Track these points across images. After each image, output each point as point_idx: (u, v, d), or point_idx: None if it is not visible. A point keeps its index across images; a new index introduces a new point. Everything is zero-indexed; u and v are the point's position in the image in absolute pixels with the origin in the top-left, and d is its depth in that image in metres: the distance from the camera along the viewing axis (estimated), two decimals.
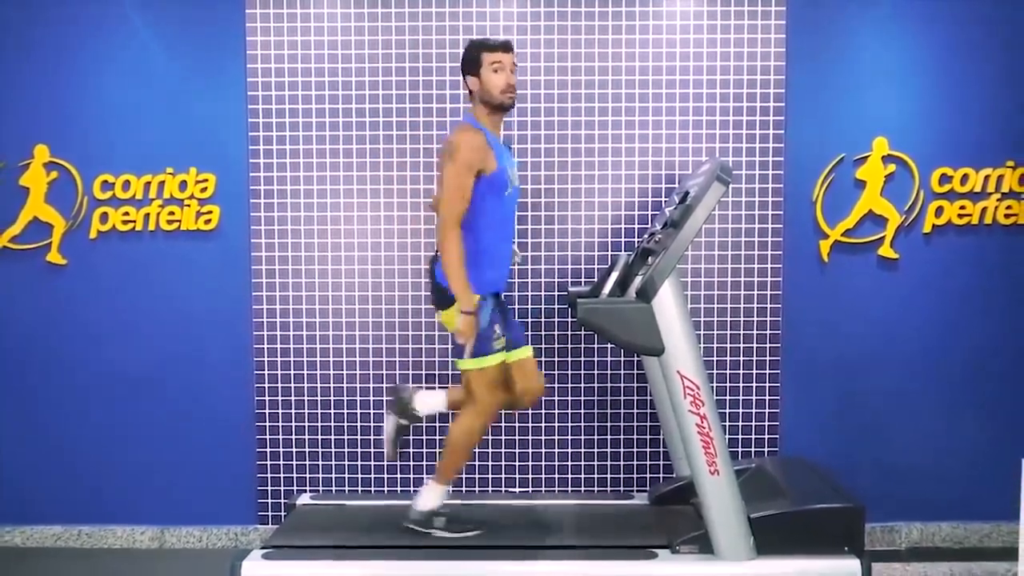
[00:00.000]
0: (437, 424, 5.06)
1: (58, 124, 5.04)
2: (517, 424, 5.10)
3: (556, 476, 5.11)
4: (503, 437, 5.11)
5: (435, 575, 4.09)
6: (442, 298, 4.21)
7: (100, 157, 5.04)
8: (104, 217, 5.05)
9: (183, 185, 5.04)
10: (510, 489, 5.10)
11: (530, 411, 5.04)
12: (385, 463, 5.09)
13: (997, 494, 4.79)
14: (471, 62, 4.20)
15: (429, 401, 4.55)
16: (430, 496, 4.41)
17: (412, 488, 5.04)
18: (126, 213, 5.05)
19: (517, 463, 5.10)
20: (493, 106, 4.21)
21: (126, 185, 5.03)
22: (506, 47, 4.21)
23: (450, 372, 5.05)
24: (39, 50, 5.02)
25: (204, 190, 5.04)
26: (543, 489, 5.11)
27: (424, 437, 5.10)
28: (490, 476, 5.12)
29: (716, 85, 5.00)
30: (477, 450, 5.05)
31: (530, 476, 5.11)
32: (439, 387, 4.75)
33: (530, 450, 5.10)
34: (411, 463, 5.11)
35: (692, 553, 4.09)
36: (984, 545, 5.05)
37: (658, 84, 5.00)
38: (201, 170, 5.04)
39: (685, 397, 3.96)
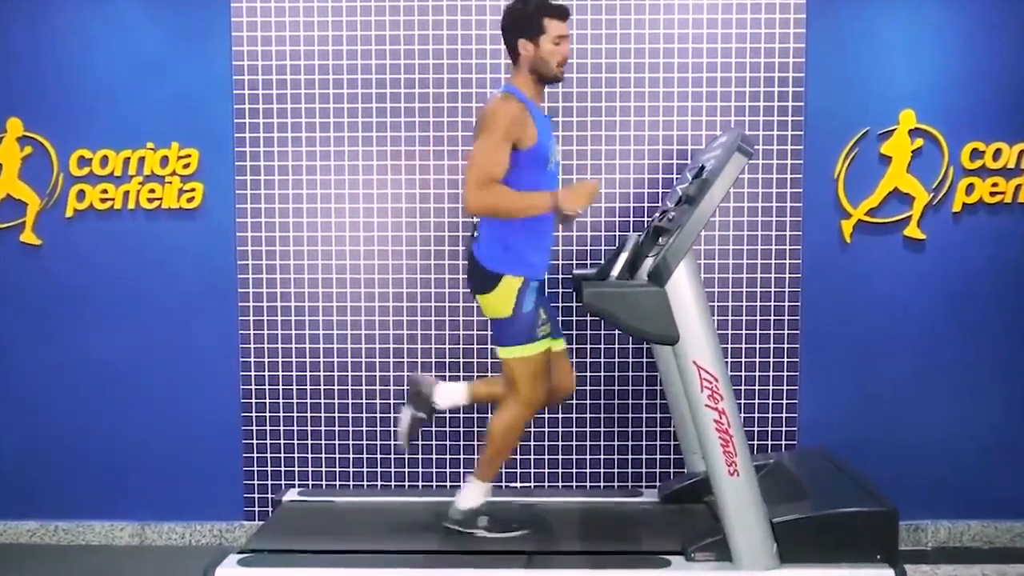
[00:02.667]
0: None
1: (32, 96, 4.55)
2: None
3: (561, 471, 4.60)
4: None
5: None
6: (481, 281, 3.72)
7: (77, 131, 4.55)
8: (81, 195, 4.55)
9: (164, 161, 4.54)
10: (510, 485, 4.58)
11: None
12: (378, 456, 4.60)
13: None
14: (530, 26, 3.65)
15: (450, 394, 4.05)
16: (472, 494, 3.93)
17: (406, 483, 4.59)
18: (104, 191, 4.55)
19: (519, 456, 4.58)
20: (545, 77, 3.71)
21: (104, 161, 4.53)
22: (567, 15, 3.71)
23: (447, 360, 4.56)
24: (12, 18, 4.52)
25: (187, 166, 4.54)
26: (547, 485, 4.60)
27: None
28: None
29: (731, 54, 4.47)
30: (476, 443, 4.56)
31: (532, 471, 4.60)
32: (462, 377, 4.22)
33: (532, 443, 4.58)
34: (405, 456, 4.59)
35: (708, 561, 3.56)
36: (1016, 545, 4.54)
37: (669, 53, 4.46)
38: (183, 145, 4.54)
39: (702, 390, 3.43)
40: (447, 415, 4.44)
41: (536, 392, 3.79)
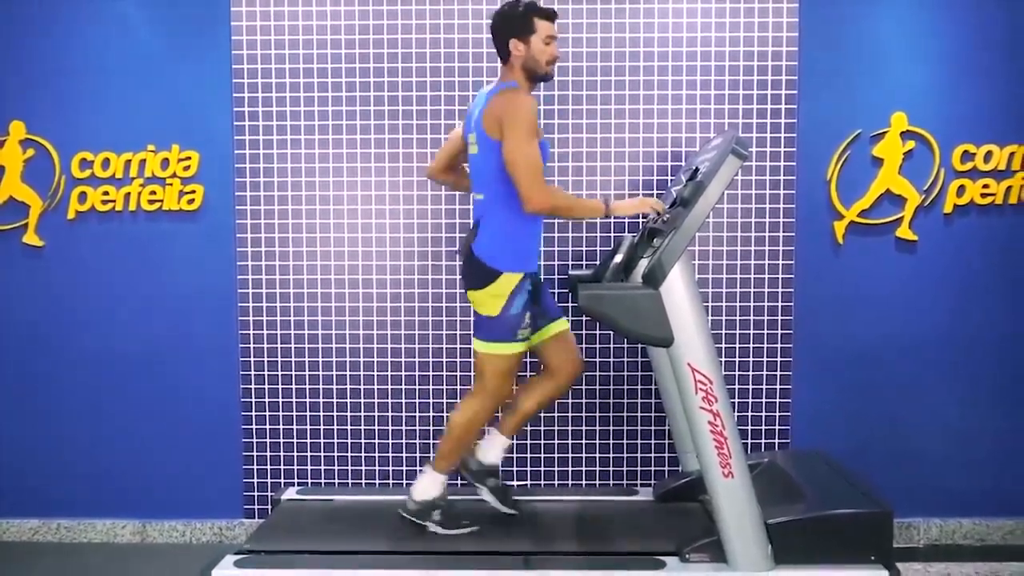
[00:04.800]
0: (428, 414, 4.40)
1: (35, 99, 4.39)
2: None
3: (556, 469, 4.45)
4: None
5: None
6: (479, 278, 3.59)
7: (78, 134, 4.39)
8: (83, 197, 4.39)
9: (165, 163, 4.38)
10: (507, 483, 4.43)
11: None
12: (376, 455, 4.45)
13: (1021, 488, 4.37)
14: (521, 26, 3.57)
15: (491, 446, 3.91)
16: (428, 485, 3.79)
17: (405, 481, 4.43)
18: (105, 193, 4.39)
19: (515, 455, 4.43)
20: (535, 76, 3.61)
21: (105, 163, 4.38)
22: (555, 16, 3.63)
23: (444, 359, 4.41)
24: (14, 23, 4.36)
25: (187, 168, 4.38)
26: (542, 483, 4.45)
27: (419, 428, 4.44)
28: None
29: (725, 57, 4.32)
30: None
31: (528, 469, 4.45)
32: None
33: (528, 441, 4.44)
34: (404, 454, 4.45)
35: (703, 562, 3.41)
36: (1007, 543, 4.38)
37: (663, 56, 4.32)
38: (184, 147, 4.38)
39: (697, 392, 3.29)
40: (440, 417, 4.33)
41: (501, 389, 3.71)
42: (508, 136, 3.46)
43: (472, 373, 4.27)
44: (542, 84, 3.77)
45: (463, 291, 4.30)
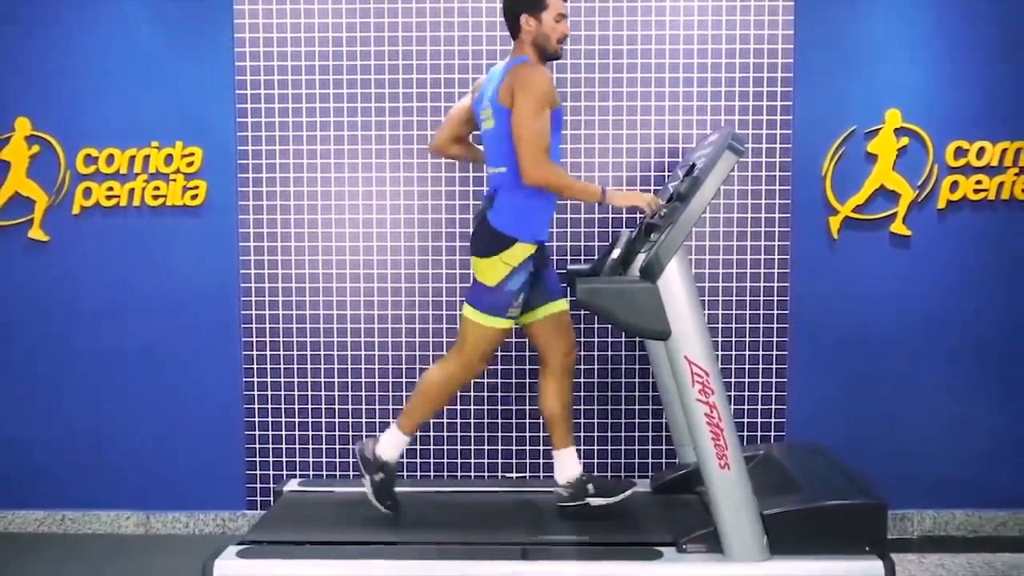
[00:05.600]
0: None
1: (40, 96, 4.38)
2: (514, 407, 4.42)
3: (554, 461, 4.41)
4: (499, 420, 4.43)
5: (420, 575, 3.40)
6: (491, 244, 3.57)
7: (83, 130, 4.38)
8: (87, 192, 4.38)
9: (169, 159, 4.37)
10: (506, 475, 4.43)
11: (526, 393, 4.38)
12: None
13: (1013, 481, 4.36)
14: (533, 2, 3.55)
15: (390, 442, 3.79)
16: (389, 442, 3.75)
17: (405, 474, 4.43)
18: (110, 188, 4.38)
19: (514, 447, 4.43)
20: (545, 53, 3.59)
21: (110, 159, 4.37)
22: None
23: (445, 353, 4.36)
24: (20, 21, 4.34)
25: (190, 164, 4.37)
26: (541, 475, 4.43)
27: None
28: (486, 461, 4.44)
29: (721, 54, 4.30)
30: (472, 434, 4.43)
31: (528, 461, 4.44)
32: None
33: (527, 434, 4.43)
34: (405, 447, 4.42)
35: (700, 552, 3.39)
36: (1000, 534, 4.37)
37: (660, 53, 4.30)
38: (187, 144, 4.37)
39: (693, 385, 3.27)
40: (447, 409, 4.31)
41: (477, 361, 3.69)
42: (517, 106, 3.45)
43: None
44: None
45: (465, 286, 4.33)
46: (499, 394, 4.42)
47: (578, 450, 4.13)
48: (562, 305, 3.82)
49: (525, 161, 3.45)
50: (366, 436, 3.82)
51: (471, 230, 3.68)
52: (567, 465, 3.83)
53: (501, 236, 3.56)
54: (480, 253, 3.62)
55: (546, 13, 3.55)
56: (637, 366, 4.41)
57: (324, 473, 4.45)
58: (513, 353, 4.38)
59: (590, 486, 3.79)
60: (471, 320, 3.65)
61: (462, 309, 3.69)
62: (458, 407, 4.41)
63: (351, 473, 4.44)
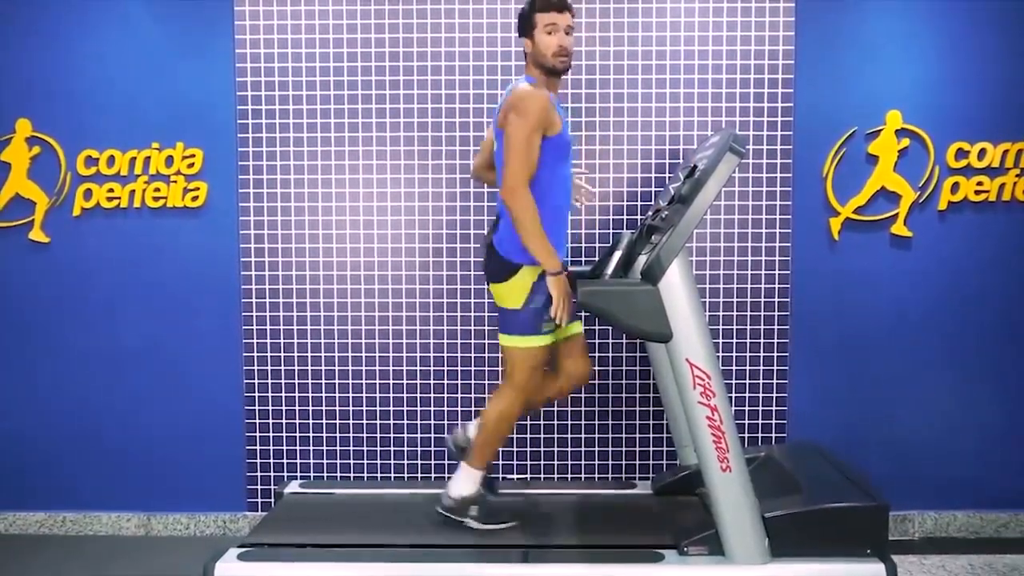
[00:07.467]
0: (430, 408, 4.36)
1: (41, 98, 4.34)
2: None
3: (556, 463, 4.41)
4: None
5: None
6: (500, 271, 3.55)
7: (84, 132, 4.34)
8: (88, 194, 4.35)
9: (169, 160, 4.34)
10: (507, 476, 4.40)
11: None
12: (378, 448, 4.41)
13: (1014, 482, 4.34)
14: (525, 23, 3.56)
15: (465, 480, 3.78)
16: (464, 482, 3.72)
17: (407, 475, 4.41)
18: (111, 189, 4.35)
19: (515, 449, 4.40)
20: (546, 69, 3.54)
21: (111, 160, 4.34)
22: (561, 7, 3.53)
23: (445, 354, 4.37)
24: (19, 22, 4.32)
25: (191, 166, 4.34)
26: (541, 477, 4.41)
27: (420, 422, 4.40)
28: None
29: (722, 56, 4.28)
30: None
31: (528, 463, 4.41)
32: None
33: (528, 435, 4.40)
34: (406, 448, 4.41)
35: (701, 555, 3.37)
36: (1001, 535, 4.34)
37: (661, 55, 4.28)
38: (188, 145, 4.34)
39: (694, 387, 3.25)
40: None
41: (531, 382, 3.64)
42: (507, 128, 3.44)
43: (500, 368, 4.31)
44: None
45: (465, 288, 4.31)
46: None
47: (579, 451, 4.13)
48: (576, 328, 3.81)
49: (503, 181, 3.45)
50: (444, 494, 3.77)
51: (484, 256, 3.68)
52: (464, 482, 3.77)
53: (505, 263, 3.55)
54: (493, 279, 3.61)
55: (536, 31, 3.53)
56: (638, 368, 4.38)
57: (325, 475, 4.42)
58: None
59: (474, 508, 3.74)
60: (510, 348, 3.61)
61: (500, 341, 3.67)
62: (459, 409, 4.39)
63: (352, 475, 4.42)
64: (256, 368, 4.40)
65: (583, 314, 4.14)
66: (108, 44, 4.33)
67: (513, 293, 3.55)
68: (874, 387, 4.38)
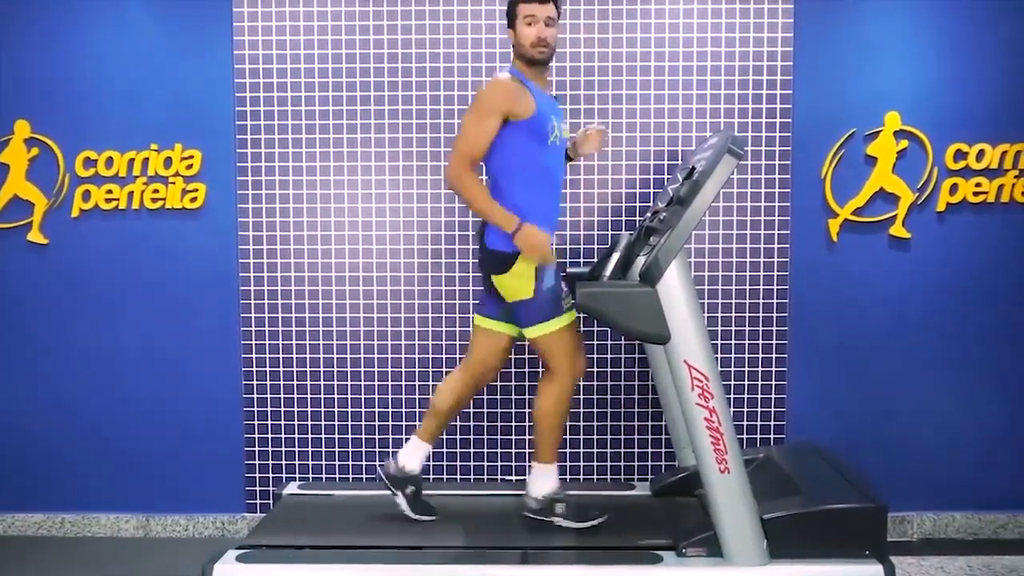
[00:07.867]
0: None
1: (39, 99, 4.34)
2: (513, 410, 4.39)
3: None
4: (498, 424, 4.40)
5: None
6: (497, 264, 3.56)
7: (82, 133, 4.34)
8: (87, 195, 4.35)
9: (168, 162, 4.34)
10: (506, 478, 4.40)
11: (525, 396, 4.35)
12: (377, 450, 4.40)
13: (1013, 483, 4.33)
14: (509, 16, 3.62)
15: (411, 452, 3.85)
16: (542, 481, 3.75)
17: None
18: (109, 191, 4.35)
19: (513, 450, 4.40)
20: (526, 59, 3.59)
21: (109, 162, 4.34)
22: None
23: (444, 356, 4.37)
24: (18, 23, 4.31)
25: (190, 167, 4.34)
26: None
27: (418, 424, 4.39)
28: (485, 464, 4.41)
29: (721, 57, 4.27)
30: (471, 437, 4.40)
31: (527, 464, 4.39)
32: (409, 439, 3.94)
33: (527, 436, 4.39)
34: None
35: (700, 556, 3.37)
36: (999, 536, 4.35)
37: (660, 56, 4.27)
38: (187, 146, 4.33)
39: (693, 389, 3.25)
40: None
41: (573, 364, 3.65)
42: (468, 110, 3.55)
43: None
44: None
45: (463, 289, 4.31)
46: (499, 397, 4.39)
47: (578, 452, 4.13)
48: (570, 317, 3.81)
49: (448, 162, 3.54)
50: (527, 496, 3.78)
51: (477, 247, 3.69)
52: (542, 480, 3.78)
53: (501, 255, 3.55)
54: (495, 272, 3.61)
55: (517, 21, 3.59)
56: (637, 369, 4.38)
57: (324, 476, 4.42)
58: (513, 356, 4.34)
59: (559, 506, 3.74)
60: (538, 337, 3.61)
61: (527, 337, 3.65)
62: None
63: (351, 476, 4.42)
64: (255, 369, 4.40)
65: (582, 316, 4.14)
66: (107, 45, 4.33)
67: (520, 282, 3.55)
68: (873, 388, 4.37)
